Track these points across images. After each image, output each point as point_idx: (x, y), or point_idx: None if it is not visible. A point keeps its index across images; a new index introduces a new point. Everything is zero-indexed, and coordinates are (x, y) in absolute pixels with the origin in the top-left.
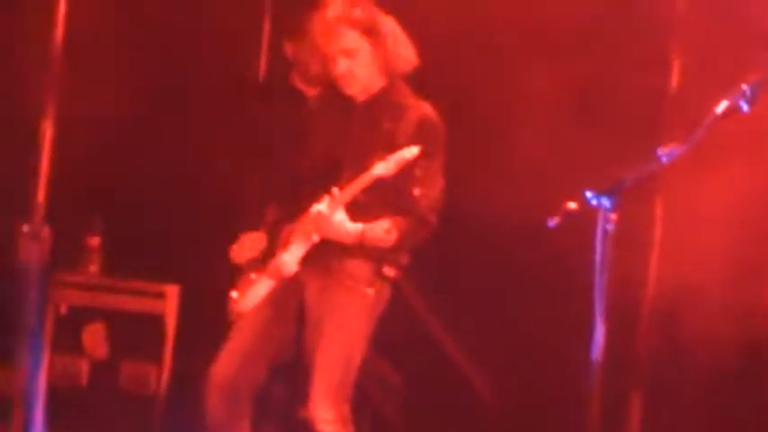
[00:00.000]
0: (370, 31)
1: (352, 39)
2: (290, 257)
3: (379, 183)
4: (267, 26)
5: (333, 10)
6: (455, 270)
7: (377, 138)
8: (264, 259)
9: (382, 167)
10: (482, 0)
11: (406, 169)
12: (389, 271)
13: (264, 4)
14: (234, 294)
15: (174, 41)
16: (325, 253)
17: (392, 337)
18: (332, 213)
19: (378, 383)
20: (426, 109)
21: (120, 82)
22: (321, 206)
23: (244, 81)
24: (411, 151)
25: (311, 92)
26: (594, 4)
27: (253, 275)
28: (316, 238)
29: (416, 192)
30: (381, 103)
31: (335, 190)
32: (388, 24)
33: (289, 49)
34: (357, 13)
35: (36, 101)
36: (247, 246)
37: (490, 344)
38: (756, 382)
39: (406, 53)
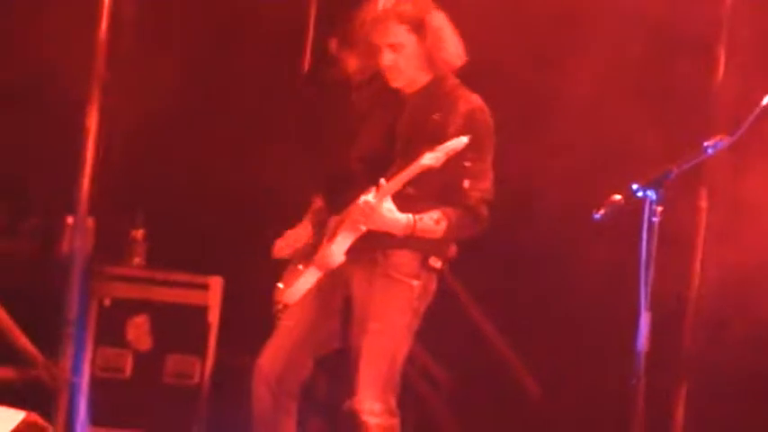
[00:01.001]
0: (418, 27)
1: (400, 33)
2: (337, 248)
3: (429, 174)
4: (312, 20)
5: (383, 3)
6: (502, 263)
7: (426, 129)
8: (311, 251)
9: (431, 158)
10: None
11: (456, 161)
12: (436, 262)
13: None
14: (280, 285)
15: (219, 35)
16: (371, 245)
17: (439, 330)
18: (379, 204)
19: (424, 377)
20: (476, 101)
21: (164, 75)
22: (368, 197)
23: (289, 74)
24: (460, 141)
25: (356, 85)
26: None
27: (300, 266)
28: (363, 229)
29: (466, 184)
30: (430, 96)
31: (383, 180)
32: (438, 20)
33: (334, 43)
34: (406, 7)
35: (81, 94)
36: (291, 241)
37: (537, 338)
38: None
39: (454, 50)
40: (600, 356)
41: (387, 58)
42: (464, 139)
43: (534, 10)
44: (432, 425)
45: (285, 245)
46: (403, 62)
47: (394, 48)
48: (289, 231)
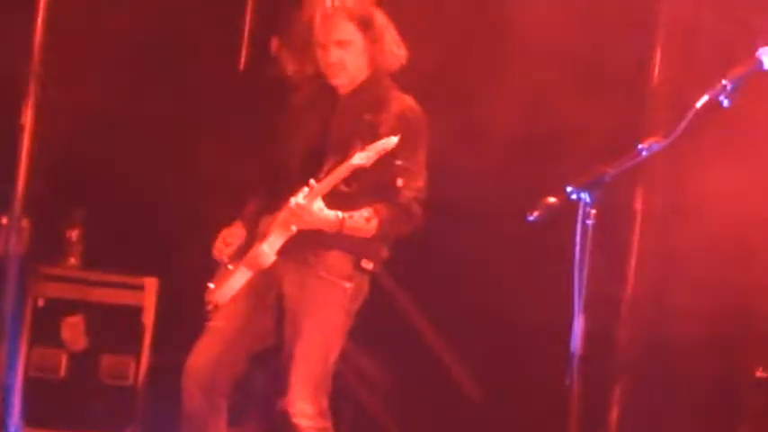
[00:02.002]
0: (366, 25)
1: (348, 30)
2: (268, 248)
3: (361, 173)
4: (249, 16)
5: (331, 0)
6: (437, 263)
7: (358, 129)
8: (242, 251)
9: (361, 157)
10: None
11: (389, 160)
12: (368, 264)
13: None
14: (211, 286)
15: (156, 31)
16: (303, 246)
17: (374, 330)
18: (310, 204)
19: (359, 377)
20: (408, 101)
21: (101, 72)
22: (299, 198)
23: (226, 72)
24: (390, 141)
25: (293, 84)
26: None
27: (230, 266)
28: (294, 229)
29: (399, 182)
30: (364, 95)
31: (313, 181)
32: (382, 19)
33: (274, 43)
34: (354, 5)
35: (16, 91)
36: (228, 240)
37: (473, 336)
38: (732, 374)
39: (396, 50)
40: (538, 357)
41: (333, 54)
42: (394, 139)
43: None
44: (369, 427)
45: (223, 243)
46: (349, 59)
47: (341, 44)
48: (224, 230)
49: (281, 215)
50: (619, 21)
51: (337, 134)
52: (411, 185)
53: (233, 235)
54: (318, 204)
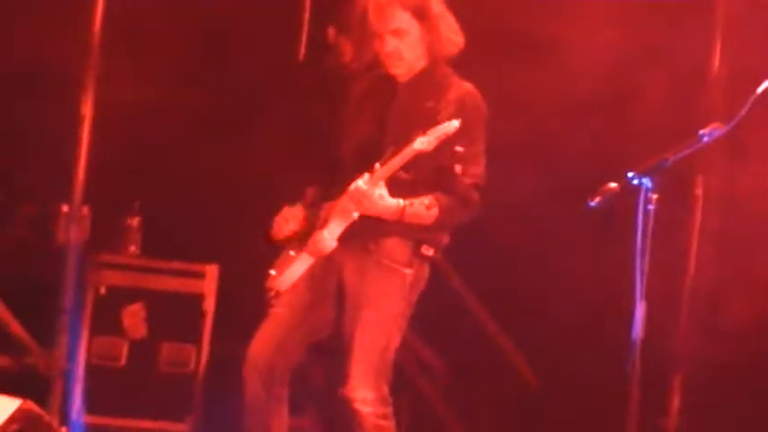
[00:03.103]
0: (421, 14)
1: (404, 20)
2: (329, 234)
3: (421, 159)
4: (308, 8)
5: None
6: (495, 251)
7: (418, 117)
8: (304, 237)
9: (422, 142)
10: None
11: (448, 146)
12: (428, 251)
13: None
14: (272, 272)
15: (213, 24)
16: (364, 233)
17: (433, 318)
18: (371, 189)
19: (418, 365)
20: (468, 87)
21: (158, 65)
22: (360, 182)
23: (285, 62)
24: (451, 125)
25: (352, 73)
26: None
27: (291, 253)
28: (355, 215)
29: (458, 169)
30: (423, 83)
31: (377, 165)
32: (438, 7)
33: (331, 32)
34: None
35: (76, 84)
36: (288, 218)
37: (532, 324)
38: None
39: (453, 37)
40: (598, 344)
41: (390, 44)
42: (455, 123)
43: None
44: (427, 413)
45: (283, 221)
46: (405, 49)
47: (397, 33)
48: (285, 208)
49: (342, 201)
50: (679, 8)
51: (396, 122)
52: (470, 172)
53: (293, 214)
54: (380, 191)
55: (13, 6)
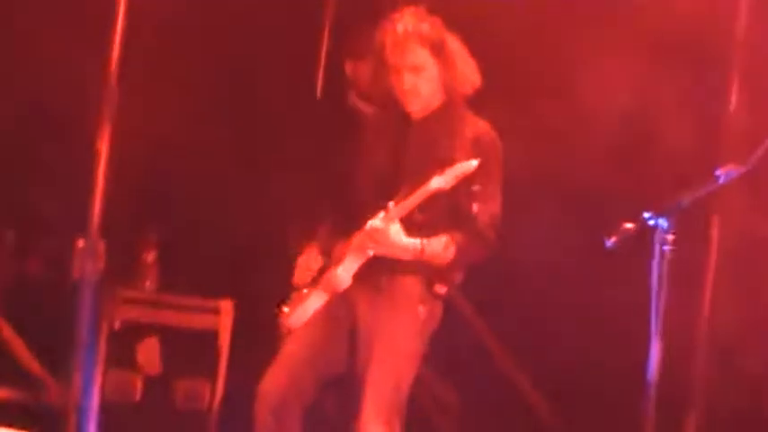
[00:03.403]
0: (439, 50)
1: (421, 56)
2: (344, 272)
3: (438, 198)
4: (325, 44)
5: (403, 25)
6: (513, 289)
7: (434, 154)
8: (318, 275)
9: (439, 181)
10: (539, 25)
11: (465, 185)
12: (441, 289)
13: (323, 22)
14: (285, 309)
15: (231, 59)
16: (377, 270)
17: (449, 355)
18: (387, 227)
19: (433, 401)
20: (484, 126)
21: (176, 99)
22: (376, 221)
23: (301, 99)
24: (469, 165)
25: (368, 109)
26: (654, 27)
27: (305, 290)
28: (371, 253)
29: (475, 208)
30: (438, 121)
31: (391, 204)
32: (454, 43)
33: (348, 67)
34: (427, 29)
35: (92, 118)
36: (306, 267)
37: (547, 361)
38: None
39: (470, 75)
40: (612, 383)
41: (407, 81)
42: (474, 163)
43: (545, 37)
44: None
45: (302, 271)
46: (422, 85)
47: (415, 70)
48: (302, 257)
49: (357, 238)
50: (695, 48)
51: (412, 159)
52: (486, 211)
53: (309, 261)
54: (396, 228)
55: (29, 39)
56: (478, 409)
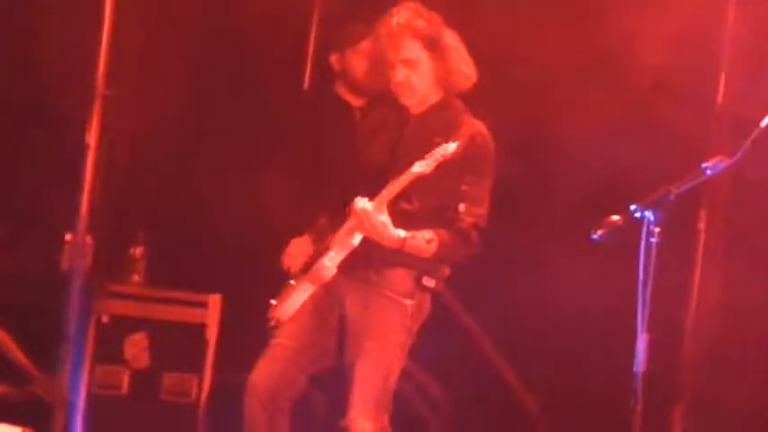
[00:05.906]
0: (433, 44)
1: (414, 49)
2: (330, 261)
3: (426, 193)
4: (313, 37)
5: (398, 18)
6: (499, 284)
7: (430, 149)
8: (306, 267)
9: (421, 165)
10: (532, 23)
11: (454, 184)
12: (429, 282)
13: (311, 15)
14: (273, 302)
15: (218, 53)
16: (365, 263)
17: (436, 350)
18: (375, 210)
19: (422, 397)
20: (479, 127)
21: (163, 93)
22: (365, 201)
23: (290, 92)
24: (448, 148)
25: (356, 102)
26: (641, 20)
27: (292, 282)
28: (356, 240)
29: (461, 207)
30: (435, 117)
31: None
32: (451, 39)
33: (335, 59)
34: (422, 23)
35: (81, 110)
36: (297, 250)
37: (534, 355)
38: None
39: (465, 70)
40: (599, 375)
41: (400, 74)
42: (453, 145)
43: (535, 36)
44: None
45: (293, 254)
46: (416, 79)
47: (408, 63)
48: (293, 240)
49: (343, 228)
50: (684, 41)
51: (407, 154)
52: (472, 211)
53: (301, 245)
54: (384, 218)
55: (18, 33)
56: (467, 404)
